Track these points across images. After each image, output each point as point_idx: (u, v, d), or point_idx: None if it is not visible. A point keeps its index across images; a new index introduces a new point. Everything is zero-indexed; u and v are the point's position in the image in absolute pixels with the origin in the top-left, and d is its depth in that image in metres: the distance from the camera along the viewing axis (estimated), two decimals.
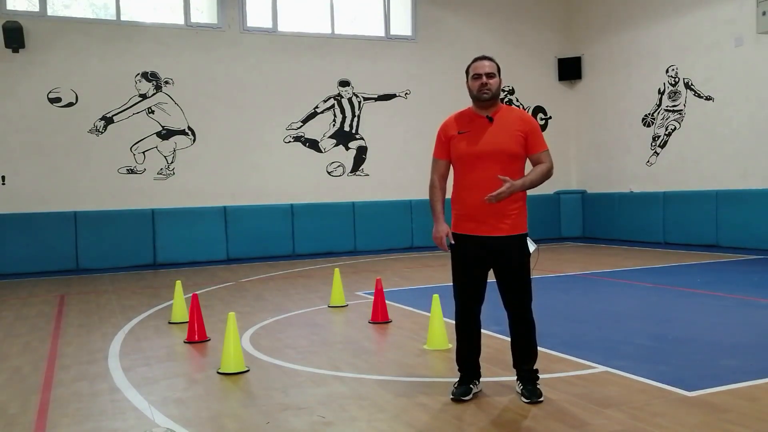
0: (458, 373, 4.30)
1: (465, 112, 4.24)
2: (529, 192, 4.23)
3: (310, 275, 10.85)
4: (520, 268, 4.11)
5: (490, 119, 4.11)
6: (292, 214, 13.96)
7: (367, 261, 12.80)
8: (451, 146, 4.19)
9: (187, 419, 4.02)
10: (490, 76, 4.09)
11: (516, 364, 4.24)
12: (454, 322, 4.34)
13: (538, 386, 4.15)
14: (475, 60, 4.20)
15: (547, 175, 4.15)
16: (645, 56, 14.70)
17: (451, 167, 4.27)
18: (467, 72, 4.20)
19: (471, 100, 4.21)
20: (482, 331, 4.33)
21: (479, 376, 4.31)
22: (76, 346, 6.07)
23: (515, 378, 4.29)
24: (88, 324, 7.15)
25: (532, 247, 4.12)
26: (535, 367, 4.22)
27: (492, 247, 4.08)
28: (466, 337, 4.26)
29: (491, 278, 4.21)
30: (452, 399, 4.17)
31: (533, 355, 4.20)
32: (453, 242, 4.16)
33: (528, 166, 4.22)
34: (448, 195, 4.31)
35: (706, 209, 13.19)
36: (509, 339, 4.30)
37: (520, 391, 4.17)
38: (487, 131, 4.09)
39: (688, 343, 5.59)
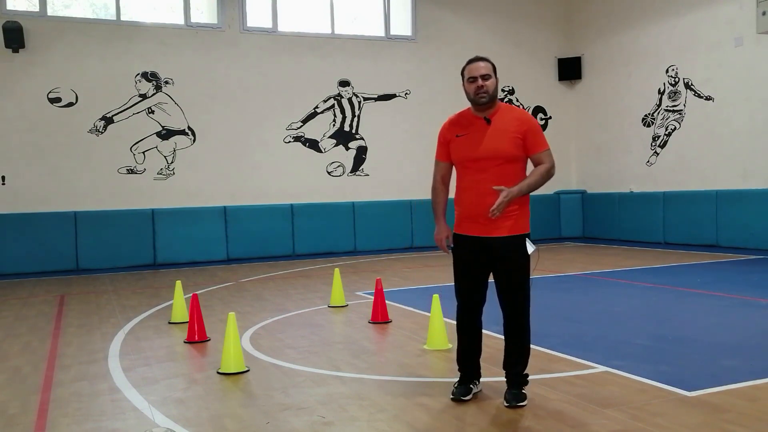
0: (458, 373, 4.29)
1: (464, 114, 4.20)
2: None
3: (310, 275, 10.84)
4: (518, 270, 4.04)
5: (488, 121, 4.06)
6: (292, 214, 13.96)
7: (367, 261, 12.80)
8: (451, 149, 4.18)
9: (187, 419, 4.03)
10: (485, 78, 4.01)
11: (506, 366, 4.17)
12: (454, 322, 4.32)
13: (524, 391, 4.09)
14: (470, 62, 4.10)
15: (548, 175, 4.08)
16: (645, 56, 14.70)
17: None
18: (462, 74, 4.12)
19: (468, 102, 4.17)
20: (483, 331, 4.31)
21: (479, 376, 4.30)
22: (76, 346, 6.07)
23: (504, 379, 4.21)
24: (88, 324, 7.15)
25: (531, 248, 4.04)
26: (525, 372, 4.14)
27: (491, 248, 4.04)
28: (467, 336, 4.23)
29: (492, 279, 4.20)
30: (452, 399, 4.16)
31: (524, 360, 4.13)
32: (452, 245, 4.16)
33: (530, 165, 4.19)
34: (452, 195, 4.28)
35: (706, 209, 13.19)
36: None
37: (504, 394, 4.11)
38: (484, 134, 4.04)
39: (688, 343, 5.59)
